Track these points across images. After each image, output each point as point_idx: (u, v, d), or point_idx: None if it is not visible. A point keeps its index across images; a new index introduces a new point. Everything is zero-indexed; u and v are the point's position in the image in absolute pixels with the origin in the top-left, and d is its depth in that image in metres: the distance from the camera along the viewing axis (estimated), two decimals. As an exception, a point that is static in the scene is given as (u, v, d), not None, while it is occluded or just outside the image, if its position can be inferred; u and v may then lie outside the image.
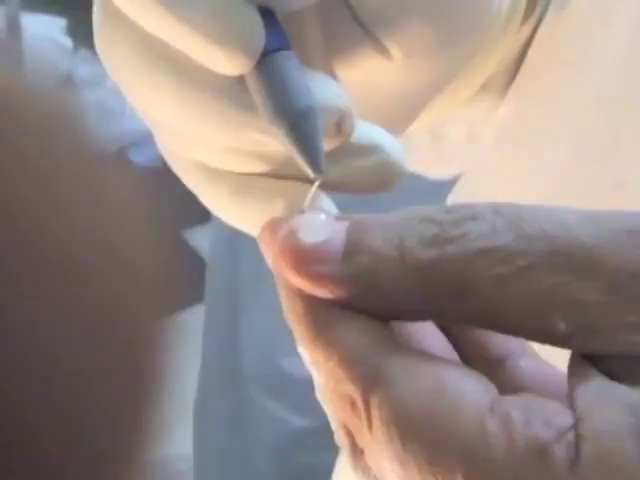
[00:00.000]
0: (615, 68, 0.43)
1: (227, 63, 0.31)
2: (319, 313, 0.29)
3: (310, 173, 0.31)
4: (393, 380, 0.27)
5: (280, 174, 0.34)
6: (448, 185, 0.53)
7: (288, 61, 0.32)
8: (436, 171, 0.55)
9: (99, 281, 0.18)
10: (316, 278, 0.28)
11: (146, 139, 2.54)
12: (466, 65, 0.38)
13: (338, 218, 0.30)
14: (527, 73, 0.46)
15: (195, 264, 1.94)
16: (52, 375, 0.17)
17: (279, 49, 0.32)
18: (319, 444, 1.27)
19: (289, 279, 0.29)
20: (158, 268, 0.20)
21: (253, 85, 0.32)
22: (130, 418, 0.19)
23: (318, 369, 0.29)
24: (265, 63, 0.31)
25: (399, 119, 0.38)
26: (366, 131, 0.34)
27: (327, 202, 0.34)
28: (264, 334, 1.27)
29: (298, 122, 0.31)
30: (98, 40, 0.34)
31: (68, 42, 2.70)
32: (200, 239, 2.11)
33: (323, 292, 0.29)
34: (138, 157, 2.53)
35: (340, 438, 0.29)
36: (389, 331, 0.29)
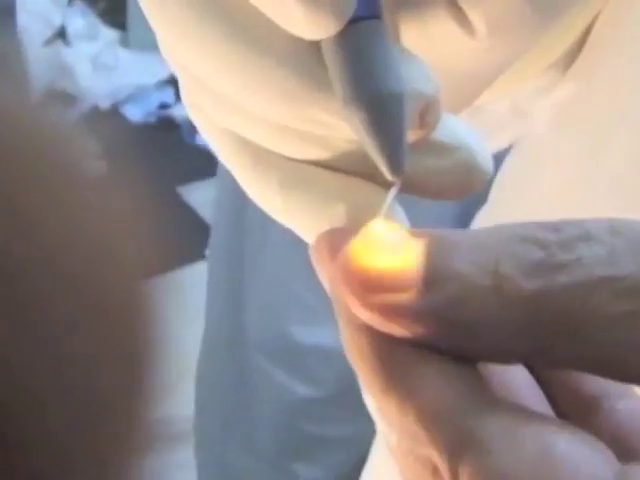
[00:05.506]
0: None
1: (308, 23, 0.25)
2: (392, 354, 0.24)
3: (388, 173, 0.26)
4: (489, 445, 0.22)
5: (340, 166, 0.29)
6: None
7: (377, 33, 0.26)
8: None
9: (93, 238, 0.18)
10: (388, 310, 0.23)
11: (141, 94, 2.52)
12: (538, 42, 0.33)
13: (414, 234, 0.24)
14: (591, 52, 0.42)
15: (191, 221, 1.94)
16: (48, 332, 0.17)
17: (369, 17, 0.26)
18: (323, 414, 1.26)
19: (353, 309, 0.24)
20: (153, 225, 0.19)
21: (331, 56, 0.26)
22: (130, 377, 0.18)
23: (390, 424, 0.24)
24: (351, 31, 0.26)
25: (461, 98, 0.34)
26: (451, 125, 0.29)
27: (400, 212, 0.28)
28: (269, 300, 1.24)
29: (381, 109, 0.25)
30: None
31: (62, -6, 2.67)
32: (196, 196, 2.11)
33: (396, 328, 0.23)
34: (132, 113, 2.52)
35: None
36: (480, 379, 0.24)
